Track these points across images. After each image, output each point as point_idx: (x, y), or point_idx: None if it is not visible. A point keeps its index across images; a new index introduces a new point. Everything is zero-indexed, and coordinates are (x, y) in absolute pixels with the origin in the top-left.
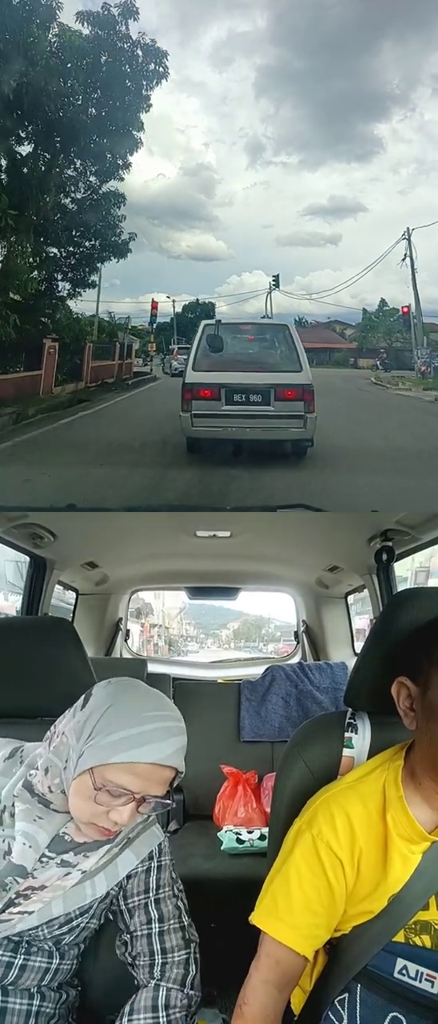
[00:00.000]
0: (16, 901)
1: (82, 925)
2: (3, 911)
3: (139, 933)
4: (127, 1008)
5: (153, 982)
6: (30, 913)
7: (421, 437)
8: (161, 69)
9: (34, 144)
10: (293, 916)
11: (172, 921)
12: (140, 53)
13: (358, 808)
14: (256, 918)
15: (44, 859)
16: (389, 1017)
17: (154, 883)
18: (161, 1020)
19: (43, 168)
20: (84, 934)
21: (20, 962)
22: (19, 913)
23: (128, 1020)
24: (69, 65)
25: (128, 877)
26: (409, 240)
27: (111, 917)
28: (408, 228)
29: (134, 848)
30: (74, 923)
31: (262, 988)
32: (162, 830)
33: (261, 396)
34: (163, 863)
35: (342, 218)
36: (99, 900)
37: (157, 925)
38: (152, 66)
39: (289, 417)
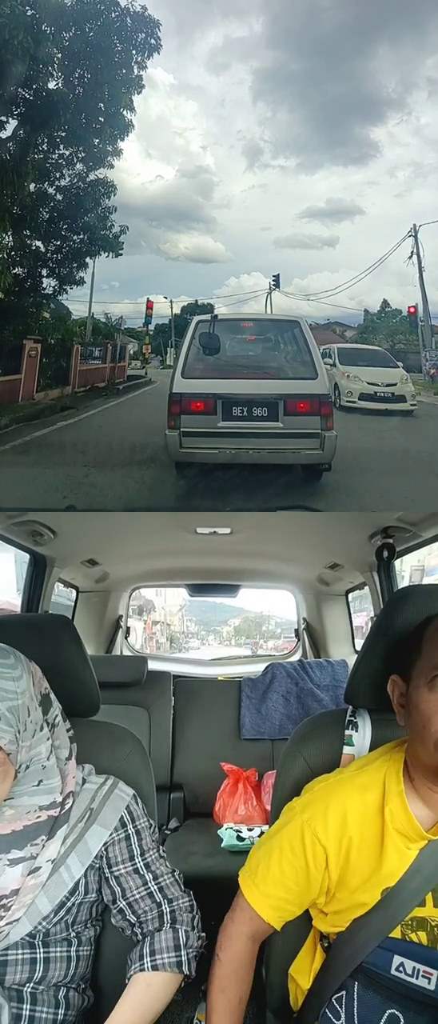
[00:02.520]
0: (1, 914)
1: (79, 902)
2: None
3: (138, 895)
4: (146, 949)
5: (168, 925)
6: (18, 920)
7: None
8: (152, 41)
9: (3, 118)
10: (267, 886)
11: (166, 877)
12: (129, 22)
13: (355, 798)
14: (241, 876)
15: None
16: (386, 1014)
17: (137, 849)
18: (183, 958)
19: (15, 147)
20: (88, 909)
21: (42, 955)
22: (7, 924)
23: (151, 960)
24: (45, 27)
25: (106, 846)
26: (416, 237)
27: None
28: (414, 225)
29: (100, 820)
30: (69, 903)
31: (236, 937)
32: (130, 791)
33: (267, 409)
34: (140, 827)
35: (340, 220)
36: (83, 877)
37: (154, 884)
38: (142, 35)
39: (302, 436)
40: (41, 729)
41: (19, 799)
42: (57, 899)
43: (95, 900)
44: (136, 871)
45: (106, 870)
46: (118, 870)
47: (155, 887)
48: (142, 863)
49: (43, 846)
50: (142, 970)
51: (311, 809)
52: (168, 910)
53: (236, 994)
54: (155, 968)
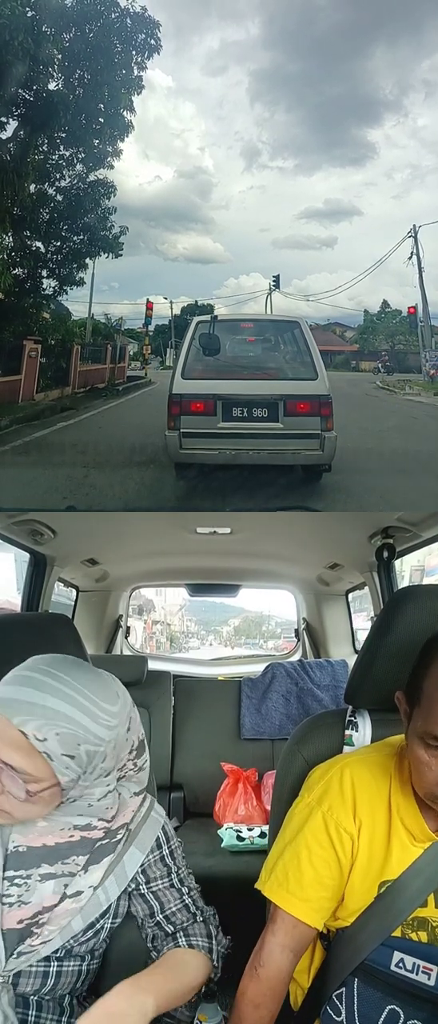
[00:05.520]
0: (34, 931)
1: (108, 927)
2: (22, 941)
3: (175, 908)
4: (181, 934)
5: (201, 921)
6: (52, 940)
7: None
8: (152, 41)
9: (4, 119)
10: (304, 891)
11: (195, 892)
12: (129, 22)
13: (366, 778)
14: (268, 890)
15: (18, 880)
16: (386, 1010)
17: (173, 866)
18: (214, 947)
19: (15, 148)
20: (112, 928)
21: (55, 969)
22: (41, 943)
23: (186, 940)
24: (45, 28)
25: (142, 867)
26: (415, 238)
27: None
28: (414, 225)
29: (138, 843)
30: (98, 926)
31: (279, 951)
32: (163, 811)
33: (267, 410)
34: (173, 847)
35: (338, 221)
36: (117, 901)
37: (188, 897)
38: (142, 36)
39: (302, 436)
40: (106, 775)
41: (54, 817)
42: (89, 919)
43: (120, 921)
44: (172, 886)
45: (143, 886)
46: (156, 885)
47: (189, 900)
48: (177, 879)
49: (84, 869)
50: (177, 947)
51: (329, 798)
52: (201, 918)
53: (268, 1011)
54: (190, 947)
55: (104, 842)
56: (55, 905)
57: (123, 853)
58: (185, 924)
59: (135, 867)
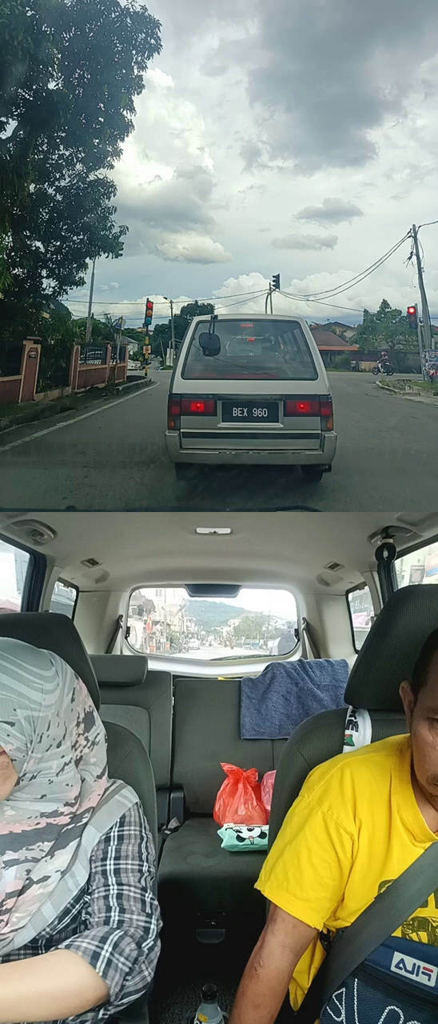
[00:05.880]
0: (1, 918)
1: (83, 911)
2: None
3: (96, 895)
4: (82, 926)
5: (114, 924)
6: (23, 927)
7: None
8: (152, 41)
9: (4, 119)
10: (304, 890)
11: (132, 890)
12: (129, 22)
13: (366, 778)
14: (268, 890)
15: None
16: (386, 1011)
17: (113, 852)
18: (103, 954)
19: (15, 148)
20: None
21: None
22: (11, 931)
23: (74, 939)
24: (45, 28)
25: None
26: (415, 238)
27: None
28: (414, 225)
29: (95, 822)
30: (74, 911)
31: (279, 951)
32: (132, 798)
33: (267, 410)
34: (125, 833)
35: (337, 221)
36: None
37: (115, 888)
38: (142, 35)
39: (302, 436)
40: (58, 746)
41: (21, 803)
42: (61, 906)
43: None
44: (103, 872)
45: None
46: (91, 867)
47: (114, 892)
48: (112, 866)
49: (50, 855)
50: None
51: (328, 799)
52: (117, 918)
53: (268, 1011)
54: (67, 947)
55: (70, 827)
56: (20, 892)
57: (83, 835)
58: (92, 920)
59: (92, 844)
